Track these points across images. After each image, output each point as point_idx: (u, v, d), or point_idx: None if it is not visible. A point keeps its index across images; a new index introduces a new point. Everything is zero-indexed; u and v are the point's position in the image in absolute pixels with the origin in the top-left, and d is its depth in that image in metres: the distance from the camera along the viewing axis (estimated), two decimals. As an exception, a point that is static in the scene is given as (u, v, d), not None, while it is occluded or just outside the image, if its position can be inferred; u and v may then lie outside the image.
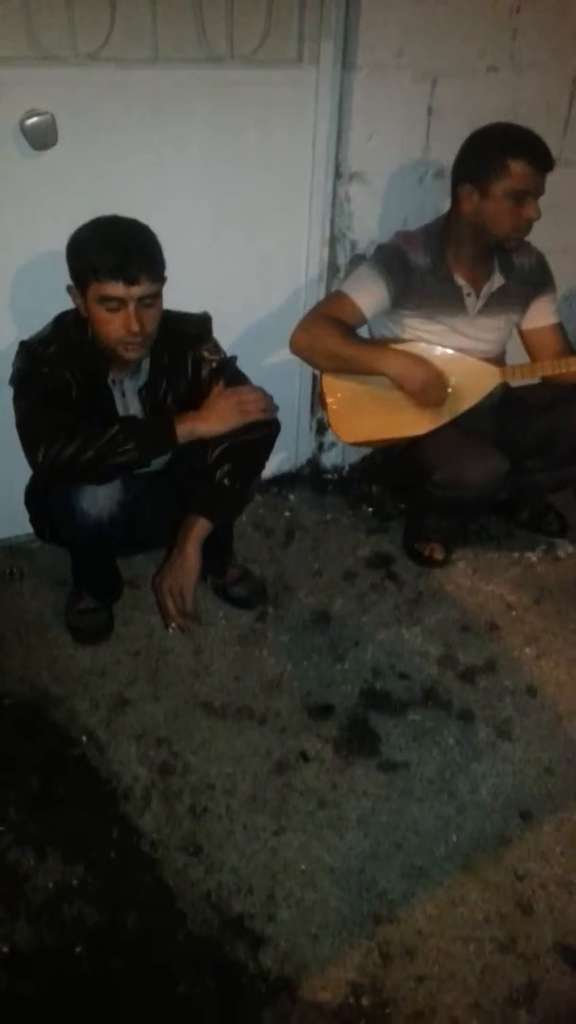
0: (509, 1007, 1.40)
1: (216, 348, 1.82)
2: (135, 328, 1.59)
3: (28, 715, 1.83)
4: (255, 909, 1.50)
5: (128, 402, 1.78)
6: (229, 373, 1.80)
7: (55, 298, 1.71)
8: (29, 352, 1.67)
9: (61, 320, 1.72)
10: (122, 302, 1.57)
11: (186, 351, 1.78)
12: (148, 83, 1.85)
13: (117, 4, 1.75)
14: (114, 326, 1.60)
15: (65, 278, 1.64)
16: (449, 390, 2.02)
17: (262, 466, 1.85)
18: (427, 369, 1.97)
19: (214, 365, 1.79)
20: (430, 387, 1.98)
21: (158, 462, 1.75)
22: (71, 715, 1.83)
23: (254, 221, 2.14)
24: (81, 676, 1.93)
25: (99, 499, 1.67)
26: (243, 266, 2.19)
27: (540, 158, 1.86)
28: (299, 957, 1.44)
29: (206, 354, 1.79)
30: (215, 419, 1.70)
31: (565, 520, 2.48)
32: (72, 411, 1.66)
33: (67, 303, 1.69)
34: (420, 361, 1.98)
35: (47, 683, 1.90)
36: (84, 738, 1.78)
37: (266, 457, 1.85)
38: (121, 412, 1.77)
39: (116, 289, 1.56)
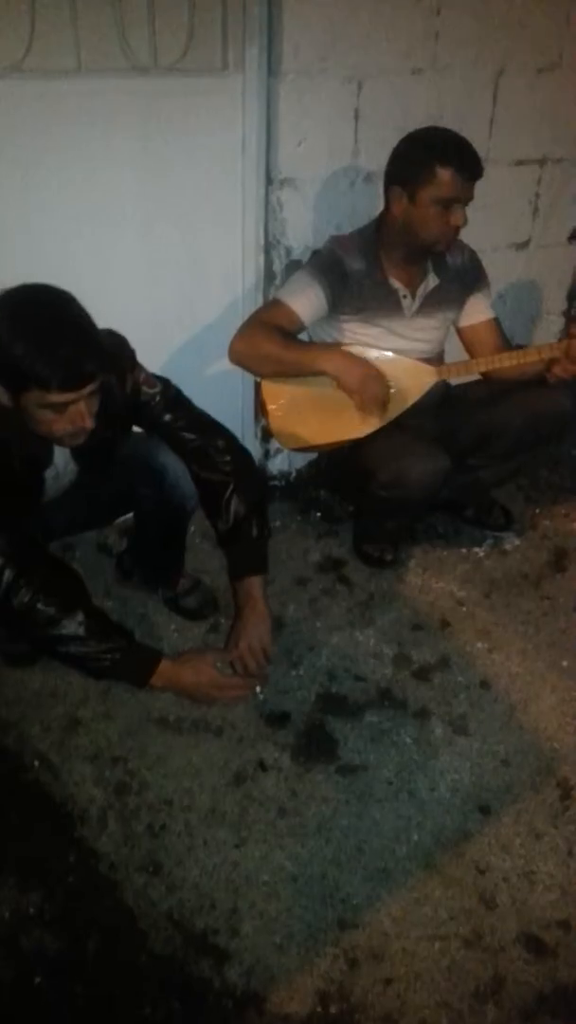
0: (477, 1002, 1.40)
1: (150, 378, 1.67)
2: (89, 425, 1.44)
3: (-23, 742, 1.79)
4: (218, 924, 1.49)
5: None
6: (178, 404, 1.71)
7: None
8: None
9: None
10: (71, 403, 1.40)
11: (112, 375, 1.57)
12: (72, 94, 1.83)
13: (36, 14, 1.73)
14: (59, 424, 1.42)
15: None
16: (392, 389, 2.03)
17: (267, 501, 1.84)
18: (365, 365, 1.97)
19: (157, 399, 1.67)
20: (368, 382, 1.97)
21: (61, 484, 1.71)
22: (22, 739, 1.79)
23: (187, 230, 2.13)
24: (31, 699, 1.88)
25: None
26: (178, 276, 2.17)
27: (468, 166, 1.87)
28: (265, 969, 1.42)
29: (145, 388, 1.66)
30: (192, 689, 1.57)
31: (510, 514, 2.51)
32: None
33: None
34: (357, 358, 1.98)
35: (-4, 708, 1.86)
36: (36, 762, 1.74)
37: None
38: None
39: (66, 397, 1.37)
